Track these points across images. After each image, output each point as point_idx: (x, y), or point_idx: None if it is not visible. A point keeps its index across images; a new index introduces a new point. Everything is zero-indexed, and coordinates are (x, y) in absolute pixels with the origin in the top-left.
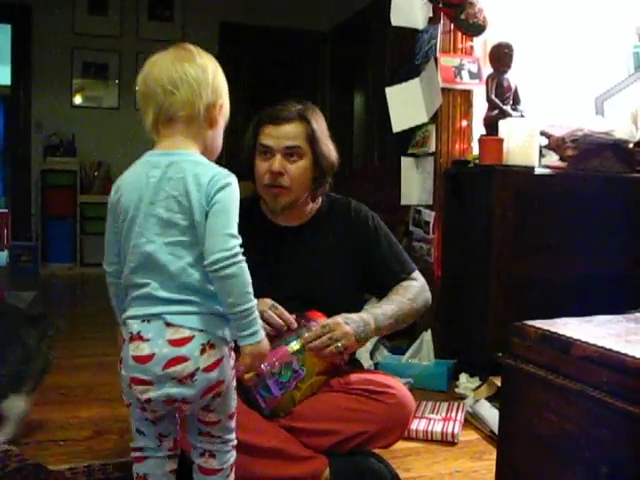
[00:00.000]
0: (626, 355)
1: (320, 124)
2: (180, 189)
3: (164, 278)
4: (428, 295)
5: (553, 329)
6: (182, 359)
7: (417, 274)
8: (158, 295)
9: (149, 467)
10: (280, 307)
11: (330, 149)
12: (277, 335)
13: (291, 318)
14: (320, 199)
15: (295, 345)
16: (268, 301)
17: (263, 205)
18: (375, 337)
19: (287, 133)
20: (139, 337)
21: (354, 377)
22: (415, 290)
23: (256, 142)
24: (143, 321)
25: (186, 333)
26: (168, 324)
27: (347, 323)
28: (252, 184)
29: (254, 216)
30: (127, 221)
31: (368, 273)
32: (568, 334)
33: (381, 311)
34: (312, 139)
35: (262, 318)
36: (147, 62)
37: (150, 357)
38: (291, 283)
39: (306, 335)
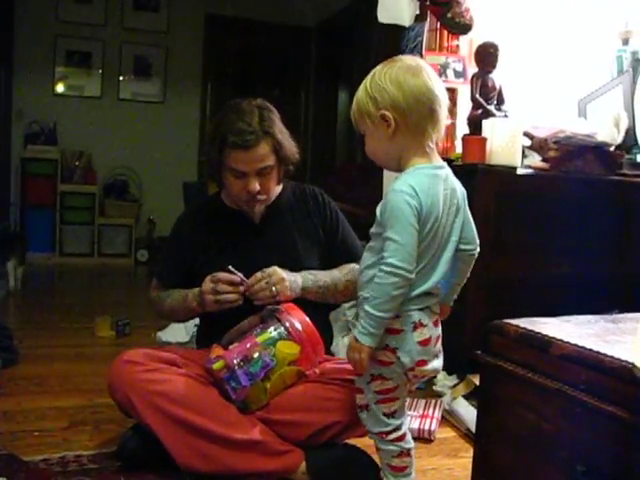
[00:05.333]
0: (604, 355)
1: (278, 126)
2: (455, 196)
3: (438, 275)
4: None
5: (533, 328)
6: (439, 337)
7: None
8: (432, 292)
9: (410, 440)
10: (216, 274)
11: (290, 144)
12: (248, 328)
13: (235, 277)
14: (282, 183)
15: (265, 335)
16: (206, 281)
17: (225, 197)
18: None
19: (258, 157)
20: (421, 324)
21: (329, 367)
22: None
23: (224, 163)
24: (419, 310)
25: (436, 316)
26: (431, 310)
27: (284, 272)
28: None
29: (217, 209)
30: (432, 230)
31: (335, 250)
32: (547, 333)
33: (312, 277)
34: (278, 150)
35: (211, 291)
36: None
37: (429, 340)
38: (262, 267)
39: (249, 281)
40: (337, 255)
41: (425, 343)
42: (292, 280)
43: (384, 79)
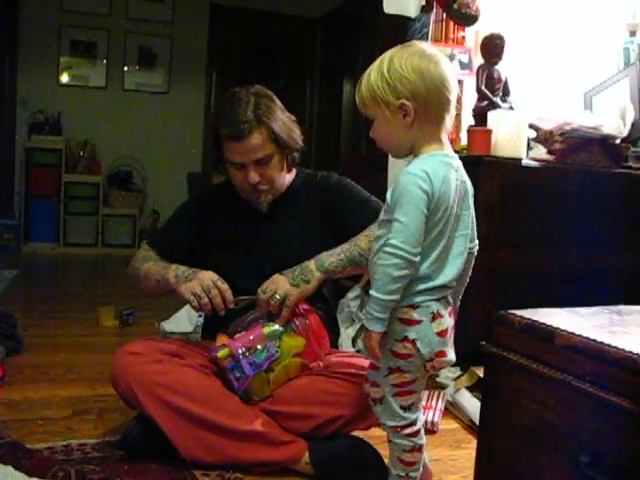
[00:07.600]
0: (609, 346)
1: (276, 113)
2: (465, 189)
3: (453, 269)
4: None
5: (537, 319)
6: (453, 328)
7: None
8: (449, 285)
9: (423, 437)
10: (224, 283)
11: (291, 129)
12: (254, 319)
13: (232, 298)
14: (294, 171)
15: (271, 327)
16: (213, 275)
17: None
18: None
19: (252, 147)
20: (439, 315)
21: (334, 360)
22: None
23: (222, 155)
24: (436, 300)
25: (450, 307)
26: (447, 301)
27: (280, 274)
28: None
29: (227, 197)
30: (443, 218)
31: (338, 225)
32: (552, 324)
33: (327, 252)
34: (275, 138)
35: (207, 294)
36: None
37: (447, 330)
38: (268, 257)
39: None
40: (357, 217)
41: (443, 334)
42: (293, 273)
43: (405, 67)
